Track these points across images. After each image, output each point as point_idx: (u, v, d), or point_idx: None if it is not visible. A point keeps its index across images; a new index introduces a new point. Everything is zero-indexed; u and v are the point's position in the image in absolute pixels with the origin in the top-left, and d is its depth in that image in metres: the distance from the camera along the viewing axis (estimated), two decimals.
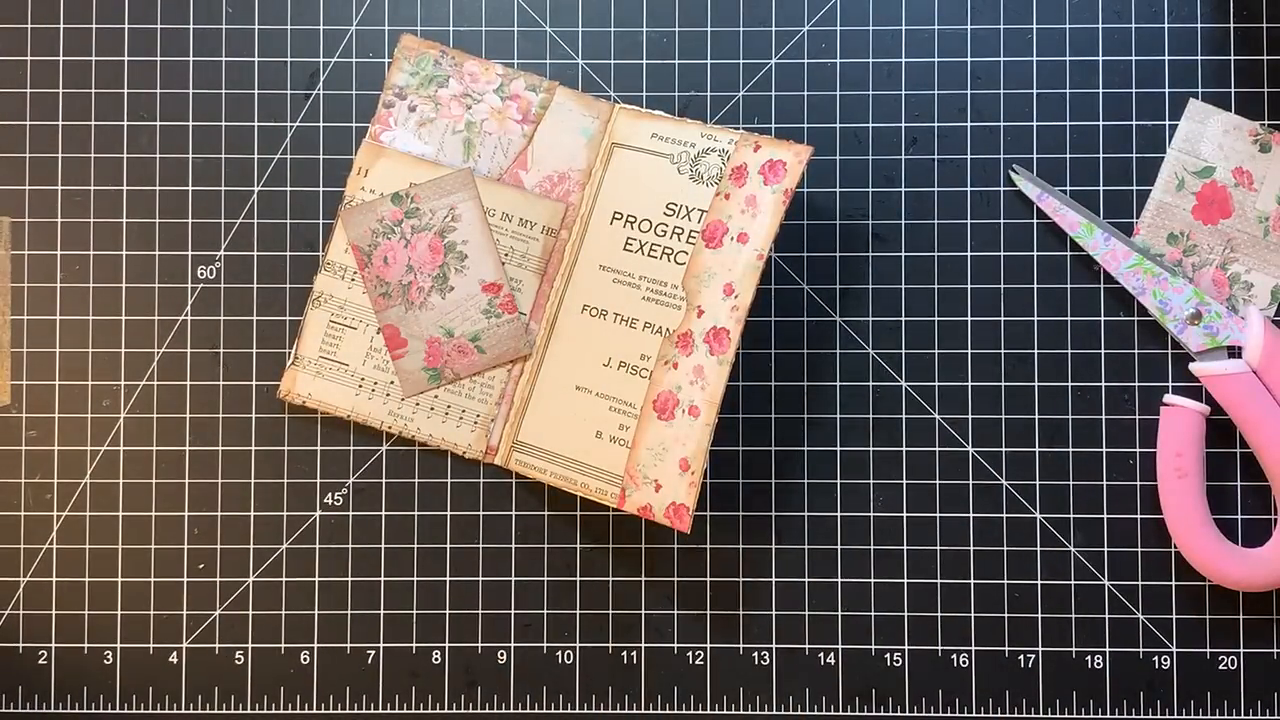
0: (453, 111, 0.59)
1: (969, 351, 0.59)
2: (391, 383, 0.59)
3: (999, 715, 0.58)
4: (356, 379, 0.59)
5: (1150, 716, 0.58)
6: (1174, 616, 0.58)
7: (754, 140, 0.56)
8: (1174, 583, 0.58)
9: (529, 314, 0.58)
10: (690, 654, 0.59)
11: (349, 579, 0.59)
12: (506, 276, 0.58)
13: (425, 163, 0.59)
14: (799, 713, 0.59)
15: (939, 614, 0.59)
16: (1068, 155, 0.59)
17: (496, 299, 0.57)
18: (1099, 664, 0.58)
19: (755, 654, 0.59)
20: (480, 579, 0.59)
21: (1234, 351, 0.57)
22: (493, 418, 0.59)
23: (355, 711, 0.59)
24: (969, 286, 0.59)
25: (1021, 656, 0.58)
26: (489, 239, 0.57)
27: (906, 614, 0.59)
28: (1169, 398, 0.58)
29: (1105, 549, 0.58)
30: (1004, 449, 0.59)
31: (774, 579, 0.59)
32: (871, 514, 0.59)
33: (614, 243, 0.57)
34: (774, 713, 0.59)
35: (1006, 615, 0.58)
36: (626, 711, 0.59)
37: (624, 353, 0.56)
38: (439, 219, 0.57)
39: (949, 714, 0.58)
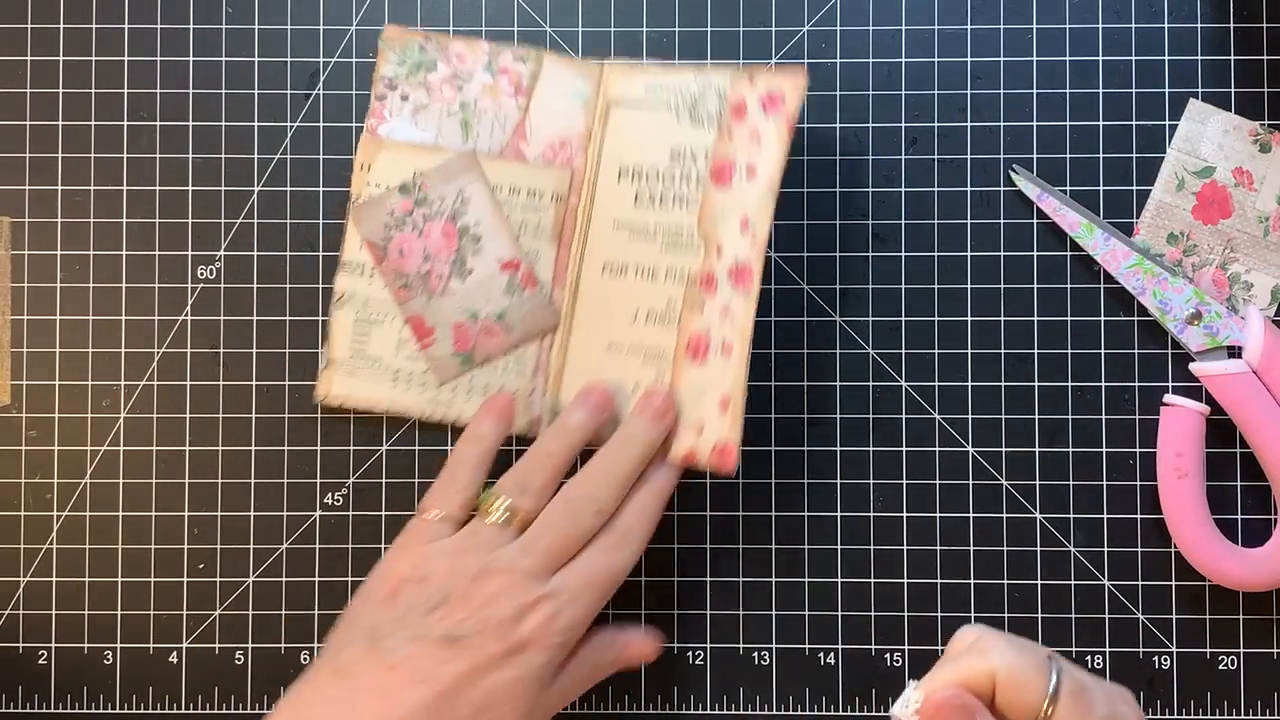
0: (445, 95, 0.58)
1: (969, 351, 0.59)
2: (426, 371, 0.59)
3: None
4: (391, 372, 0.59)
5: (1150, 716, 0.58)
6: (1174, 616, 0.58)
7: (747, 73, 0.55)
8: (1174, 583, 0.58)
9: (550, 283, 0.58)
10: (690, 654, 0.59)
11: (349, 579, 0.59)
12: (523, 250, 0.58)
13: (426, 149, 0.59)
14: (799, 713, 0.59)
15: (939, 614, 0.59)
16: (1068, 155, 0.59)
17: (516, 275, 0.57)
18: (1099, 664, 0.58)
19: (755, 654, 0.59)
20: None
21: (1234, 351, 0.57)
22: (531, 390, 0.59)
23: None
24: (969, 286, 0.59)
25: None
26: (500, 217, 0.57)
27: (906, 614, 0.59)
28: (1169, 398, 0.58)
29: (1105, 549, 0.59)
30: (1004, 449, 0.59)
31: (774, 579, 0.59)
32: (871, 514, 0.59)
33: (624, 199, 0.57)
34: (774, 713, 0.59)
35: (1006, 615, 0.58)
36: (627, 711, 0.59)
37: (650, 304, 0.56)
38: (449, 204, 0.57)
39: None
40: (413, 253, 0.58)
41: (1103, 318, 0.59)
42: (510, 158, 0.59)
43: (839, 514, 0.59)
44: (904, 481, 0.59)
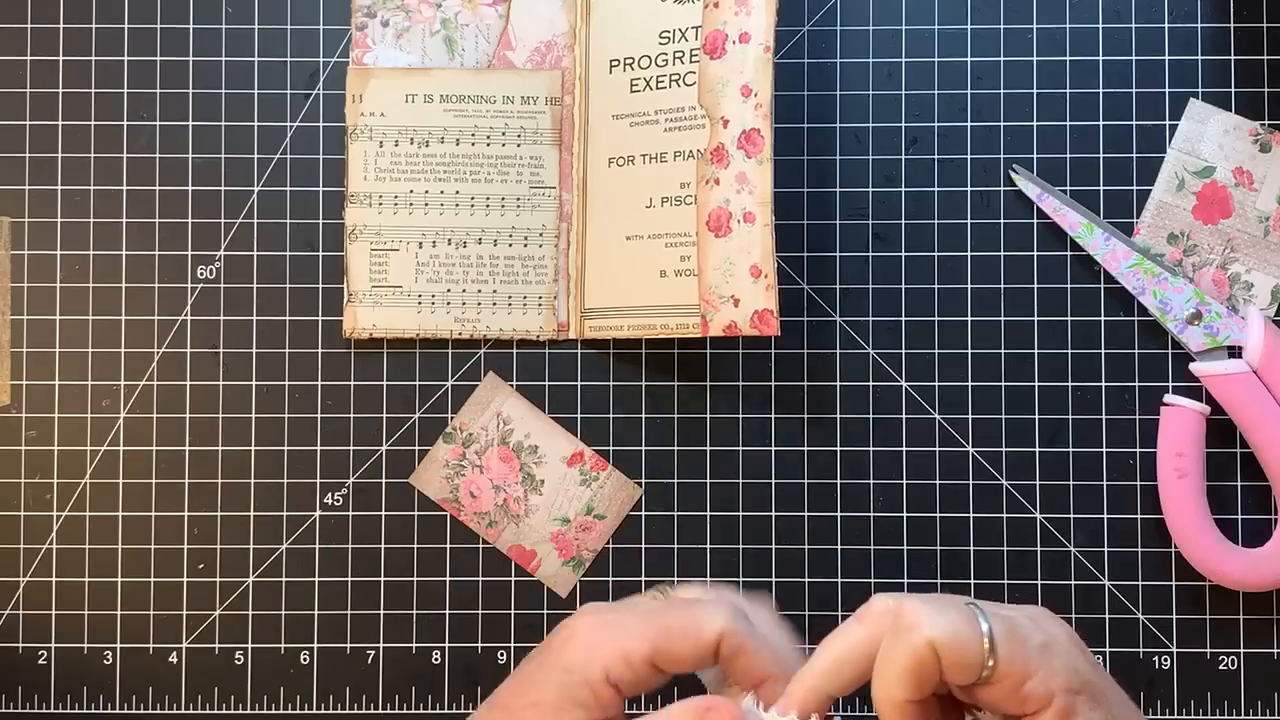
0: (424, 14, 0.59)
1: (969, 351, 0.59)
2: (450, 290, 0.59)
3: None
4: (414, 297, 0.59)
5: (1150, 716, 0.58)
6: (1174, 616, 0.58)
7: None
8: (1174, 583, 0.58)
9: (558, 185, 0.59)
10: None
11: (349, 579, 0.59)
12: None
13: (414, 71, 0.59)
14: None
15: None
16: (1068, 155, 0.59)
17: (585, 465, 0.58)
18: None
19: None
20: (480, 579, 0.59)
21: (1234, 351, 0.57)
22: (555, 295, 0.59)
23: (355, 711, 0.59)
24: (969, 286, 0.59)
25: None
26: (544, 419, 0.58)
27: None
28: (1169, 398, 0.58)
29: (1105, 549, 0.58)
30: (1004, 449, 0.59)
31: (774, 579, 0.59)
32: (871, 514, 0.59)
33: (619, 89, 0.58)
34: None
35: None
36: (626, 711, 0.59)
37: (663, 189, 0.57)
38: (494, 431, 0.58)
39: None
40: (483, 491, 0.59)
41: (1103, 318, 0.59)
42: (499, 68, 0.59)
43: (839, 514, 0.59)
44: (904, 482, 0.59)
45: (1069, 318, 0.59)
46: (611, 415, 0.59)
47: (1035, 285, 0.59)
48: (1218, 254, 0.58)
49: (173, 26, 0.60)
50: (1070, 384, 0.59)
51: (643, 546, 0.59)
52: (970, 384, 0.59)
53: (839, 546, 0.59)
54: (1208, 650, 0.58)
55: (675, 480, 0.59)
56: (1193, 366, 0.57)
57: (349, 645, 0.59)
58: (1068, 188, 0.59)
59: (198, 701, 0.59)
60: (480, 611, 0.59)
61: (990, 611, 0.40)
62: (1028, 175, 0.59)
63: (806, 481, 0.59)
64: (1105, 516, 0.59)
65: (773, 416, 0.59)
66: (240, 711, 0.59)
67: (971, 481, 0.59)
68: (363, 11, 0.59)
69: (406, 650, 0.59)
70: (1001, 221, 0.59)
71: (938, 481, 0.59)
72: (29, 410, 0.60)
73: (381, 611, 0.59)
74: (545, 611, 0.59)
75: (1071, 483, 0.59)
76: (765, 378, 0.59)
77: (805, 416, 0.59)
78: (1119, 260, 0.58)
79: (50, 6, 0.60)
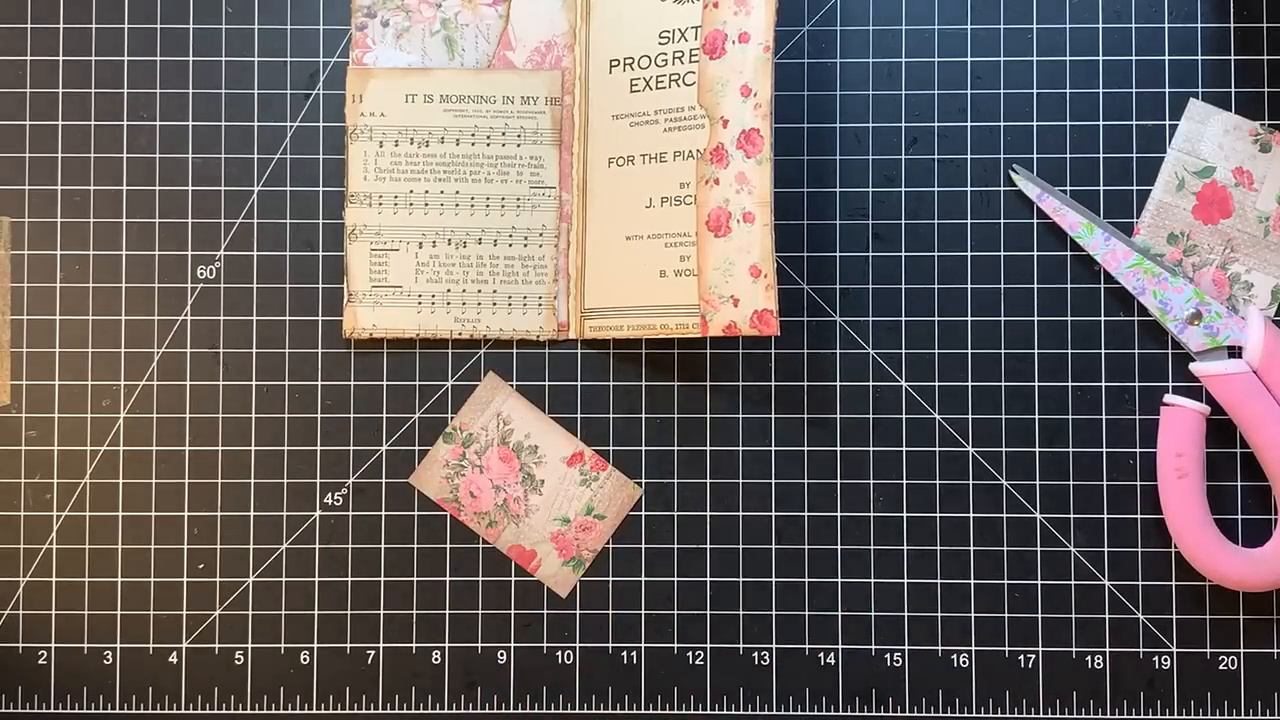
0: (424, 14, 0.59)
1: (969, 351, 0.59)
2: (449, 291, 0.59)
3: (999, 715, 0.58)
4: (414, 297, 0.59)
5: (1150, 716, 0.58)
6: (1174, 616, 0.58)
7: None
8: (1174, 583, 0.58)
9: (558, 185, 0.59)
10: (690, 654, 0.59)
11: (349, 579, 0.59)
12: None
13: (414, 71, 0.59)
14: (799, 713, 0.59)
15: (939, 614, 0.59)
16: (1068, 155, 0.59)
17: (585, 465, 0.58)
18: (1099, 664, 0.58)
19: (755, 654, 0.59)
20: (480, 579, 0.59)
21: (1234, 351, 0.57)
22: (555, 295, 0.59)
23: (355, 711, 0.59)
24: (969, 286, 0.59)
25: (1021, 656, 0.58)
26: (544, 419, 0.58)
27: (906, 614, 0.59)
28: (1169, 398, 0.58)
29: (1105, 549, 0.59)
30: (1004, 449, 0.59)
31: (774, 579, 0.59)
32: (871, 514, 0.59)
33: (619, 90, 0.58)
34: (774, 713, 0.59)
35: (1006, 615, 0.58)
36: (626, 711, 0.59)
37: (662, 189, 0.57)
38: (493, 431, 0.58)
39: (949, 714, 0.58)
40: (483, 490, 0.59)
41: (1103, 318, 0.59)
42: (499, 68, 0.59)
43: (839, 514, 0.59)
44: (904, 481, 0.59)
45: (1069, 318, 0.59)
46: (611, 415, 0.59)
47: (1035, 285, 0.59)
48: (1218, 254, 0.58)
49: (173, 26, 0.60)
50: (1070, 384, 0.59)
51: (643, 546, 0.59)
52: (970, 384, 0.59)
53: (839, 546, 0.59)
54: (1208, 650, 0.58)
55: (675, 480, 0.59)
56: (1193, 366, 0.57)
57: (349, 645, 0.59)
58: (1068, 188, 0.59)
59: (198, 701, 0.59)
60: (480, 611, 0.59)
61: None
62: (1028, 175, 0.59)
63: (806, 481, 0.59)
64: (1105, 516, 0.59)
65: (773, 416, 0.59)
66: (240, 711, 0.59)
67: (971, 481, 0.59)
68: (363, 11, 0.59)
69: (406, 650, 0.59)
70: (1001, 221, 0.59)
71: (938, 481, 0.59)
72: (29, 410, 0.60)
73: (381, 611, 0.59)
74: (545, 611, 0.59)
75: (1071, 483, 0.59)
76: (765, 378, 0.59)
77: (805, 416, 0.59)
78: (1119, 260, 0.58)
79: (50, 6, 0.60)
